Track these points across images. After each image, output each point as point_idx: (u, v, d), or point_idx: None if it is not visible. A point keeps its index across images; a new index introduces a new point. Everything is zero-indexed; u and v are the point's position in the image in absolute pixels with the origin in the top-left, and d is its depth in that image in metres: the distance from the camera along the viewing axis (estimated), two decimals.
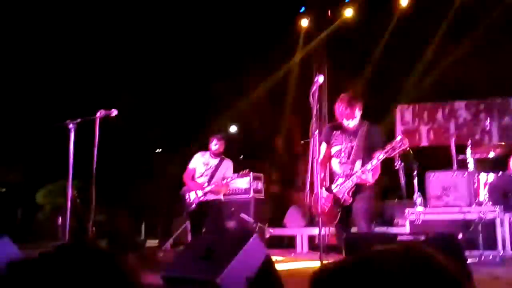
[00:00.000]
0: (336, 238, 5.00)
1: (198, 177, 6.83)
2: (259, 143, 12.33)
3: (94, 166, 5.29)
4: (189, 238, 9.10)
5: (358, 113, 4.77)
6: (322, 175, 4.82)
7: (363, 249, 3.64)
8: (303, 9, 10.75)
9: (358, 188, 4.66)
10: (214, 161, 6.82)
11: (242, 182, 8.68)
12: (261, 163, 11.39)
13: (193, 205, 6.62)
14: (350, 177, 4.61)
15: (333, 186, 4.79)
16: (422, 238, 3.62)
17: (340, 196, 4.64)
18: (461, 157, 8.31)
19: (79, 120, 5.11)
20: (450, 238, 3.62)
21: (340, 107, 4.76)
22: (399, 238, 3.69)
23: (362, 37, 10.96)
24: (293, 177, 11.26)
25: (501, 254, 6.39)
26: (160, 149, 14.99)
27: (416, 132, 10.31)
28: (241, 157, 12.49)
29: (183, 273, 4.11)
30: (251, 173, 8.67)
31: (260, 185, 8.83)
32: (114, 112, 5.38)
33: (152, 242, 10.09)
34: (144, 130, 12.31)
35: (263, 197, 8.82)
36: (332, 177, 4.77)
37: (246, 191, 8.65)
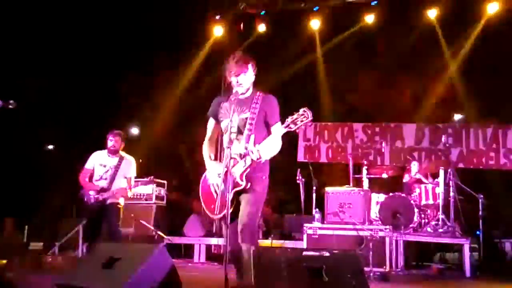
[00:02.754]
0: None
1: (97, 180, 6.30)
2: (161, 148, 12.08)
3: None
4: (80, 242, 8.64)
5: (250, 74, 3.96)
6: (212, 156, 4.11)
7: (272, 263, 3.62)
8: (218, 16, 10.73)
9: (249, 177, 3.84)
10: (113, 161, 6.32)
11: (145, 188, 8.39)
12: (162, 168, 11.17)
13: (93, 206, 6.09)
14: (245, 156, 3.81)
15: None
16: (327, 254, 3.73)
17: (232, 180, 3.81)
18: (356, 176, 8.78)
19: None
20: (352, 255, 3.77)
21: (228, 68, 3.97)
22: (304, 253, 3.76)
23: (275, 52, 11.28)
24: (194, 185, 11.16)
25: (388, 270, 6.80)
26: (52, 146, 14.14)
27: (316, 149, 10.73)
28: (140, 160, 12.15)
29: (81, 282, 3.87)
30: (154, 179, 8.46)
31: (162, 192, 8.61)
32: (12, 104, 4.96)
33: (36, 245, 9.42)
34: (36, 125, 11.54)
35: (164, 204, 8.61)
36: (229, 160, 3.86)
37: (148, 197, 8.37)
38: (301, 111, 3.63)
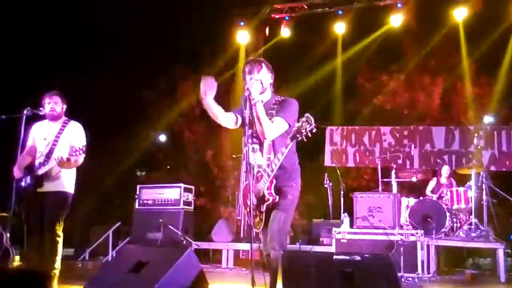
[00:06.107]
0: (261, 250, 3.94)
1: (38, 158, 5.00)
2: (188, 154, 12.14)
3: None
4: (110, 248, 8.73)
5: (264, 72, 3.86)
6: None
7: (302, 267, 3.56)
8: (242, 23, 10.76)
9: (278, 187, 3.76)
10: (55, 130, 5.01)
11: (173, 193, 8.43)
12: (189, 174, 11.24)
13: (26, 194, 4.87)
14: (268, 167, 3.73)
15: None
16: (358, 258, 3.65)
17: (261, 194, 3.74)
18: (385, 180, 8.64)
19: (3, 117, 4.73)
20: (385, 259, 3.68)
21: (242, 71, 3.88)
22: (335, 257, 3.69)
23: (300, 56, 11.27)
24: (222, 191, 11.20)
25: (420, 276, 6.64)
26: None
27: (344, 153, 10.61)
28: (168, 167, 12.26)
29: (109, 286, 3.88)
30: (182, 184, 8.50)
31: (190, 197, 8.60)
32: (42, 111, 5.04)
33: (67, 251, 9.53)
34: None
35: (192, 210, 8.62)
36: (250, 169, 3.75)
37: (176, 202, 8.39)
38: (303, 118, 3.49)
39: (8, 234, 6.38)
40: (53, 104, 5.00)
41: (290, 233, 8.88)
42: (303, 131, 3.47)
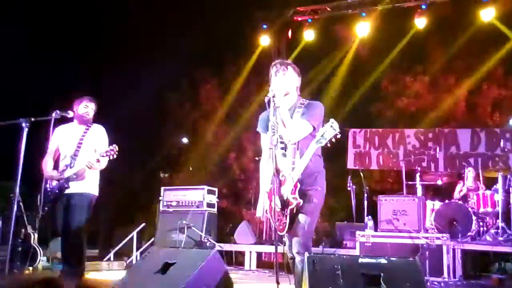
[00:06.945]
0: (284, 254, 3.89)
1: (62, 160, 5.12)
2: (211, 156, 12.21)
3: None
4: (134, 249, 8.84)
5: (291, 74, 3.83)
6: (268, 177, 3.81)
7: (327, 270, 3.55)
8: (265, 26, 10.80)
9: (303, 191, 3.72)
10: (79, 132, 5.15)
11: (196, 195, 8.48)
12: (212, 177, 11.29)
13: (52, 196, 4.95)
14: (292, 171, 3.70)
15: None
16: (384, 261, 3.63)
17: (285, 198, 3.70)
18: (409, 182, 8.55)
19: (33, 119, 4.80)
20: (411, 262, 3.64)
21: (269, 72, 3.87)
22: (360, 260, 3.67)
23: (322, 58, 11.24)
24: (244, 193, 11.23)
25: (446, 280, 6.56)
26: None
27: (367, 156, 10.53)
28: (191, 168, 12.35)
29: (137, 287, 3.94)
30: (206, 186, 8.55)
31: (214, 199, 8.64)
32: (71, 114, 5.14)
33: (91, 252, 9.67)
34: None
35: (215, 212, 8.66)
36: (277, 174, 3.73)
37: (200, 204, 8.44)
38: (328, 123, 3.52)
39: (36, 235, 6.58)
40: (89, 109, 5.24)
41: (313, 236, 8.85)
42: (327, 136, 3.51)
